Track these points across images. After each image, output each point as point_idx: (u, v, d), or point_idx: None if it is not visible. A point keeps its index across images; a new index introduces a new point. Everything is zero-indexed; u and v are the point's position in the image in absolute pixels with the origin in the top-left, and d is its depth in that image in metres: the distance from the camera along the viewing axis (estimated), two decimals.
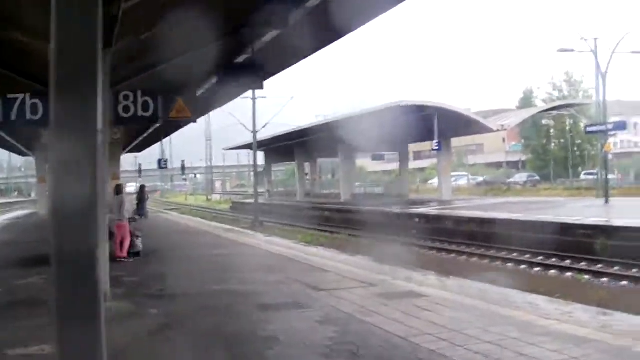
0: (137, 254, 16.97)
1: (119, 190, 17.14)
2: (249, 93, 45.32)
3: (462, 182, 69.34)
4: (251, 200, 53.17)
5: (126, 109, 11.17)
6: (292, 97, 57.14)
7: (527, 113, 50.07)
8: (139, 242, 17.13)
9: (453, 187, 61.04)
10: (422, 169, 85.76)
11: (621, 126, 39.33)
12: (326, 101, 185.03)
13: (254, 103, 45.43)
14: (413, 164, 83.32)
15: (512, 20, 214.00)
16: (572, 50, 35.00)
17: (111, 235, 17.09)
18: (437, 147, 39.74)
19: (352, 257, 17.24)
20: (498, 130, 40.52)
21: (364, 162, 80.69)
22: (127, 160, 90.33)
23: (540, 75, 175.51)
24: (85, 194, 2.86)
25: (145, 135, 37.99)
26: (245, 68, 14.09)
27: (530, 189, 56.81)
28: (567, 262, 21.21)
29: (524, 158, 78.69)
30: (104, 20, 8.77)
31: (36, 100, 11.28)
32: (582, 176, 62.62)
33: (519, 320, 8.53)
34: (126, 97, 11.14)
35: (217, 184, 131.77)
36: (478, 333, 7.89)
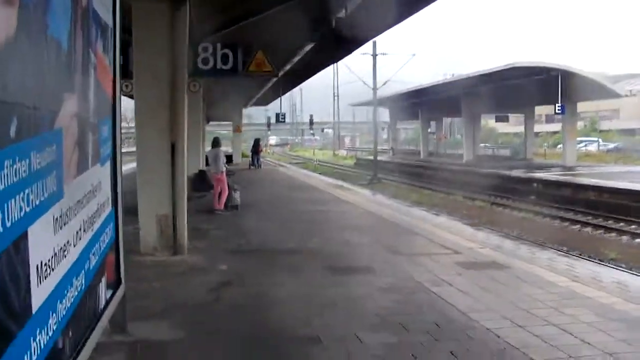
0: (236, 207, 17.07)
1: (215, 143, 17.24)
2: (370, 49, 44.69)
3: (592, 147, 65.91)
4: (378, 157, 52.89)
5: (205, 61, 11.07)
6: (414, 54, 55.96)
7: None
8: (237, 196, 17.20)
9: (582, 152, 58.32)
10: (554, 132, 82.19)
11: None
12: (450, 59, 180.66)
13: (374, 59, 44.63)
14: (545, 127, 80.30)
15: None
16: None
17: (211, 187, 17.39)
18: (560, 111, 37.83)
19: (450, 221, 16.68)
20: (626, 96, 37.95)
21: (496, 123, 78.24)
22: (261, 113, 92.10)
23: None
24: None
25: (266, 88, 38.55)
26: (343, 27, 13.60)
27: None
28: None
29: None
30: None
31: None
32: None
33: (597, 303, 7.79)
34: (205, 49, 11.01)
35: (347, 140, 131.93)
36: (547, 314, 7.28)
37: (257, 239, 12.49)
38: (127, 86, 14.76)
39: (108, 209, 5.45)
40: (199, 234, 12.72)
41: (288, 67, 27.81)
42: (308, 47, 21.49)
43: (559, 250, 14.10)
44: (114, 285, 5.74)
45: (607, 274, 10.28)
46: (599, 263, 13.21)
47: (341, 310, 7.50)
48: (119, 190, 5.85)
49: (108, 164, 5.46)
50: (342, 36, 13.40)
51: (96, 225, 4.84)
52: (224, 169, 16.94)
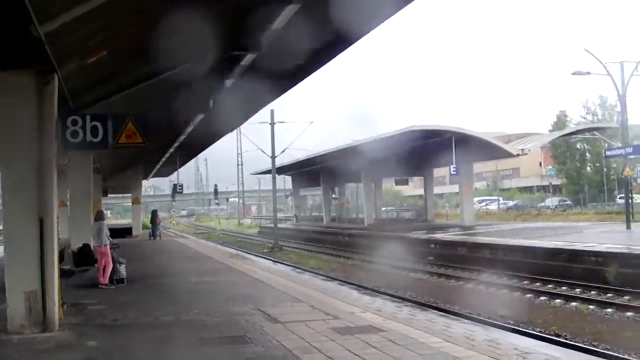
0: (122, 280, 16.67)
1: (98, 216, 16.97)
2: (269, 117, 45.13)
3: (493, 206, 68.30)
4: (282, 225, 52.98)
5: (74, 134, 10.87)
6: (312, 121, 57.42)
7: (548, 137, 49.34)
8: (122, 269, 16.79)
9: (483, 211, 60.43)
10: (457, 193, 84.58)
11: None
12: (348, 125, 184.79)
13: (272, 128, 44.97)
14: (449, 188, 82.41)
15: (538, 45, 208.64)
16: (588, 73, 33.53)
17: (96, 261, 16.99)
18: (454, 172, 39.03)
19: (339, 286, 16.79)
20: (518, 155, 39.53)
21: (402, 187, 79.80)
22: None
23: (575, 98, 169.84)
24: None
25: (164, 160, 38.50)
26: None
27: (560, 213, 55.29)
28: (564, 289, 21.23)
29: (555, 182, 77.32)
30: (29, 44, 8.62)
31: None
32: (618, 200, 60.56)
33: None
34: (74, 122, 10.84)
35: (253, 208, 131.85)
36: None
37: (135, 313, 12.18)
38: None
39: None
40: (76, 310, 12.42)
41: (182, 137, 27.93)
42: (199, 118, 21.67)
43: (439, 310, 14.37)
44: None
45: (483, 332, 10.46)
46: (477, 322, 13.44)
47: None
48: None
49: None
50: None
51: None
52: (107, 242, 16.61)
